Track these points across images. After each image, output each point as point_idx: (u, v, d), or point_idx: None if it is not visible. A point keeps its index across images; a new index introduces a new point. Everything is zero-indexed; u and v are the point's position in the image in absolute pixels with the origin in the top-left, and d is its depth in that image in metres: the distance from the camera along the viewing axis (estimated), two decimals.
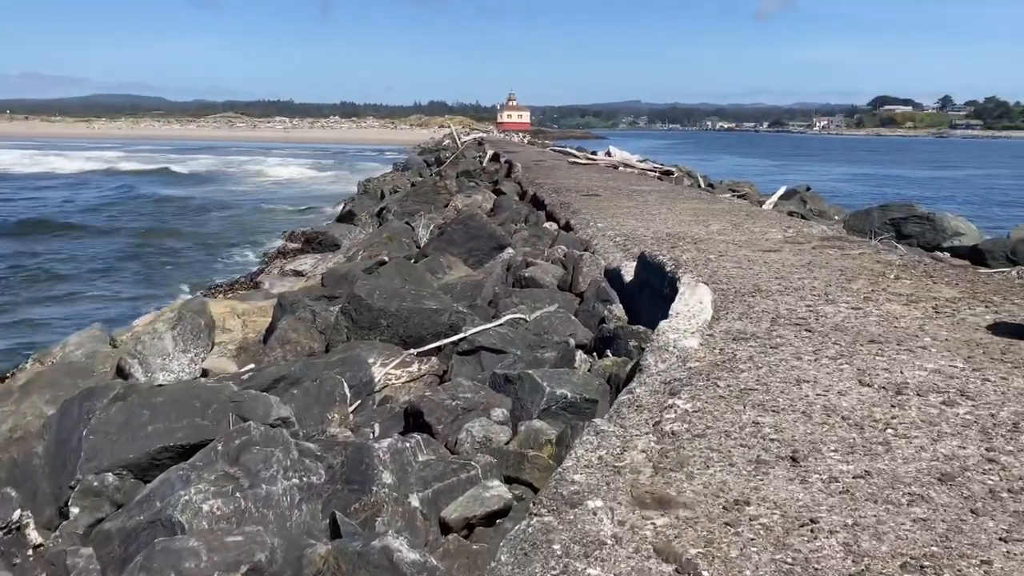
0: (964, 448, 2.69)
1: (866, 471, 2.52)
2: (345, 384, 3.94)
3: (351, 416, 3.96)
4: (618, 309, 5.38)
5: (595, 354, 4.90)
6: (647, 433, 2.84)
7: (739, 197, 15.96)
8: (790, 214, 12.13)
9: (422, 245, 9.61)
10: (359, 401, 4.22)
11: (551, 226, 9.51)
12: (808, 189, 16.28)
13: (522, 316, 5.37)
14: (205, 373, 4.76)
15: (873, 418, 2.94)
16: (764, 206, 12.68)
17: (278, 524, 3.00)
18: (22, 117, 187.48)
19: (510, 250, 8.23)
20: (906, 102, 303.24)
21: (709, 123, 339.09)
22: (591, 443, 2.75)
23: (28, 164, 57.14)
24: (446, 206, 13.47)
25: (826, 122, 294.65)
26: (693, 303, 4.37)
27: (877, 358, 3.63)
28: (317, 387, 3.83)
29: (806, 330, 4.11)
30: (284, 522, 3.02)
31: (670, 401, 3.11)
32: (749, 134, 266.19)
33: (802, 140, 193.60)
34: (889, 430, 2.83)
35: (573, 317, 5.44)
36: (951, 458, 2.62)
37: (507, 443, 3.50)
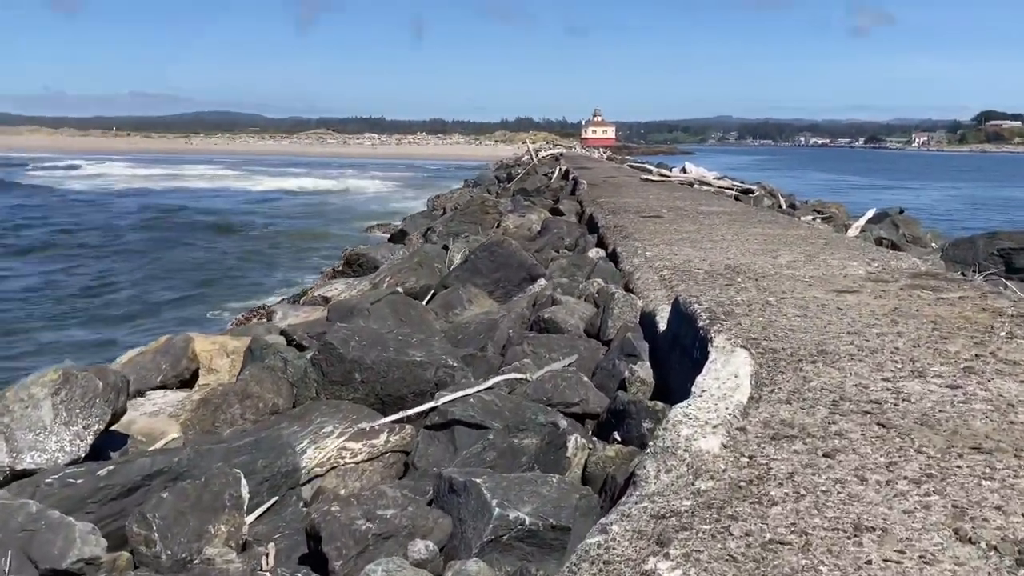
0: None
1: None
2: (243, 482, 2.99)
3: (246, 528, 3.00)
4: (643, 370, 4.27)
5: (597, 438, 3.81)
6: None
7: (823, 219, 14.51)
8: (879, 241, 10.71)
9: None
10: (277, 498, 3.26)
11: (595, 253, 8.42)
12: (901, 212, 14.69)
13: (522, 375, 4.32)
14: (121, 445, 3.87)
15: None
16: (849, 231, 11.28)
17: None
18: (124, 133, 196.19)
19: (542, 281, 7.20)
20: (1015, 116, 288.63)
21: (802, 139, 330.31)
22: None
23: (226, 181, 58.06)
24: (496, 226, 12.52)
25: (926, 138, 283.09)
26: (725, 377, 3.24)
27: (985, 484, 2.44)
28: (201, 488, 2.88)
29: (879, 424, 2.93)
30: None
31: (651, 564, 2.01)
32: (844, 150, 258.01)
33: (900, 156, 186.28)
34: None
35: (585, 379, 4.35)
36: None
37: None
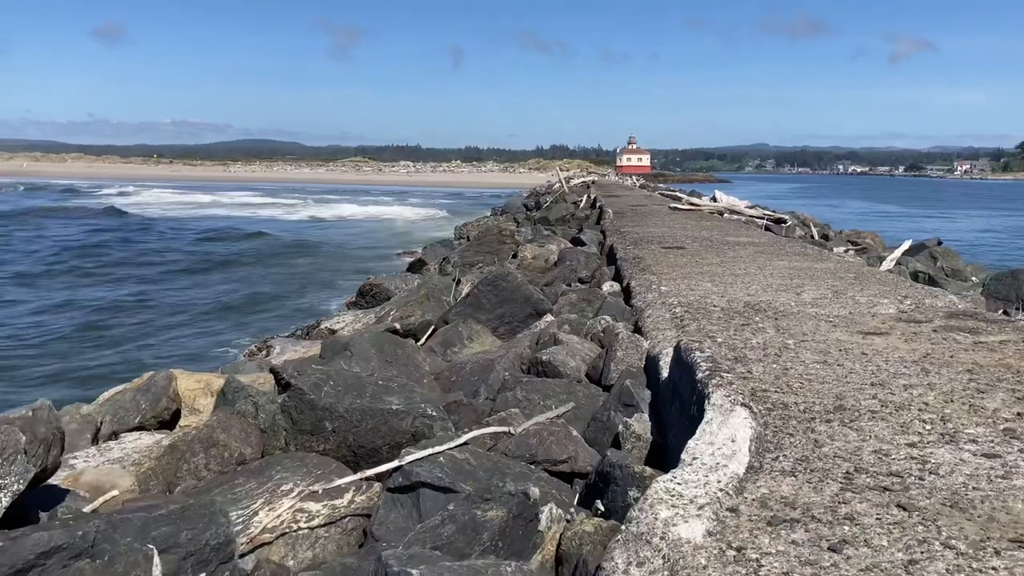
0: None
1: None
2: (156, 560, 2.59)
3: None
4: (640, 424, 3.82)
5: (581, 505, 3.36)
6: None
7: (857, 251, 13.92)
8: (914, 276, 10.13)
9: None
10: (205, 573, 2.86)
11: (609, 287, 7.98)
12: (940, 243, 14.01)
13: (504, 428, 3.90)
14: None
15: None
16: (883, 264, 10.69)
17: None
18: (167, 161, 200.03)
19: (549, 317, 6.78)
20: None
21: (840, 167, 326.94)
22: None
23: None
24: (514, 256, 12.14)
25: (968, 166, 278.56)
26: (721, 441, 2.80)
27: None
28: (102, 569, 2.50)
29: (899, 506, 2.47)
30: None
31: None
32: (884, 178, 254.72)
33: (941, 184, 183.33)
34: None
35: (575, 433, 3.91)
36: None
37: None
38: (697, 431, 2.90)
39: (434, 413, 4.11)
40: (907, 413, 3.43)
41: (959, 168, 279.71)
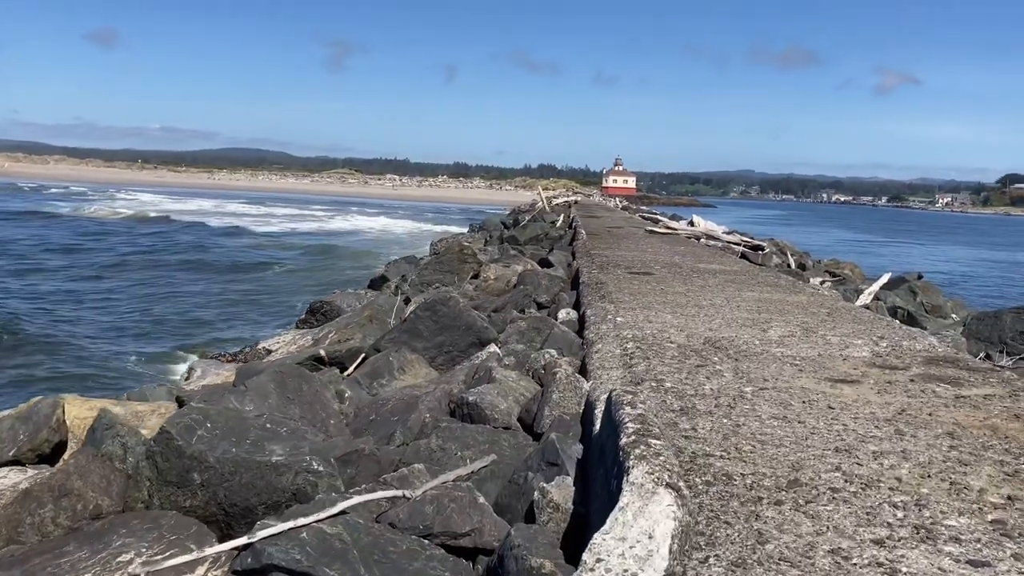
0: None
1: None
2: None
3: None
4: (560, 490, 3.18)
5: None
6: None
7: (835, 282, 13.39)
8: (893, 311, 9.57)
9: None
10: None
11: (565, 314, 7.36)
12: (920, 277, 13.51)
13: (398, 492, 3.25)
14: None
15: None
16: (860, 298, 10.14)
17: None
18: (151, 166, 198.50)
19: (493, 347, 6.14)
20: None
21: (825, 195, 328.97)
22: None
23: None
24: (475, 276, 11.52)
25: (949, 198, 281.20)
26: (634, 537, 2.17)
27: None
28: None
29: None
30: None
31: None
32: (867, 208, 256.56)
33: (923, 216, 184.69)
34: None
35: (481, 500, 3.26)
36: None
37: None
38: (608, 520, 2.27)
39: (321, 468, 3.46)
40: (875, 493, 2.82)
41: (940, 200, 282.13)
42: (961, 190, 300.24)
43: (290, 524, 2.79)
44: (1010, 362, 7.52)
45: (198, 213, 59.94)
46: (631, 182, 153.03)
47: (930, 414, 3.98)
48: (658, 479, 2.40)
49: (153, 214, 55.30)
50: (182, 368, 11.99)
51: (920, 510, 2.68)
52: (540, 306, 8.60)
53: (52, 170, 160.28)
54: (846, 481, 2.94)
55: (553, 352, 5.62)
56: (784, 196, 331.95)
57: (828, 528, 2.50)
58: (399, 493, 3.22)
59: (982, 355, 7.79)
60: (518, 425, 4.56)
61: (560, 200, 48.52)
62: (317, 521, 2.84)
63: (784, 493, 2.79)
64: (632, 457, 2.54)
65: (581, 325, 6.91)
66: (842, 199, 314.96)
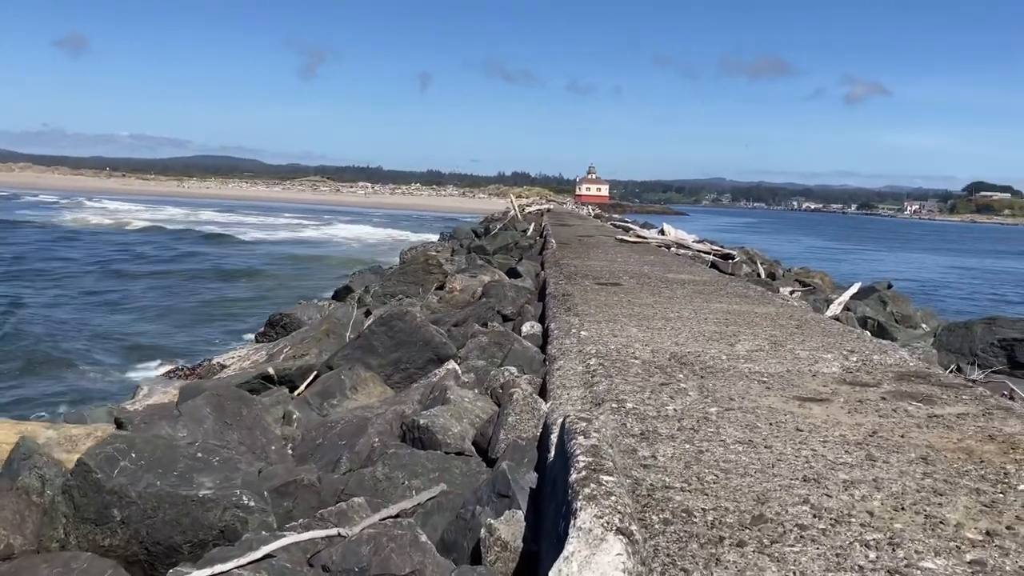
0: None
1: None
2: None
3: None
4: (508, 527, 2.94)
5: None
6: None
7: (805, 291, 13.29)
8: (863, 322, 9.45)
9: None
10: None
11: (529, 327, 7.13)
12: (890, 286, 13.44)
13: (334, 531, 2.99)
14: None
15: None
16: (829, 309, 10.01)
17: None
18: (119, 174, 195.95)
19: (452, 364, 5.89)
20: (1004, 188, 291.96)
21: (795, 203, 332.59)
22: None
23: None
24: (440, 287, 11.26)
25: (917, 206, 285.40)
26: None
27: None
28: None
29: None
30: None
31: None
32: (836, 216, 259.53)
33: (892, 224, 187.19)
34: None
35: (423, 538, 3.01)
36: None
37: None
38: (552, 571, 2.04)
39: (251, 503, 3.20)
40: (846, 531, 2.61)
41: (909, 208, 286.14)
42: (929, 198, 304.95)
43: (207, 572, 2.52)
44: (981, 375, 7.39)
45: (169, 221, 59.23)
46: (604, 190, 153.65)
47: (902, 436, 3.79)
48: (607, 524, 2.16)
49: (108, 222, 54.62)
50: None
51: (894, 550, 2.47)
52: (505, 318, 8.37)
53: (17, 177, 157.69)
54: (815, 516, 2.73)
55: (513, 370, 5.39)
56: (755, 204, 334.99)
57: (794, 574, 2.28)
58: (334, 532, 2.96)
59: (953, 367, 7.66)
60: (472, 450, 4.32)
61: (533, 208, 48.41)
62: (239, 567, 2.58)
63: (748, 531, 2.57)
64: (581, 497, 2.30)
65: (545, 339, 6.69)
66: (812, 207, 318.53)
